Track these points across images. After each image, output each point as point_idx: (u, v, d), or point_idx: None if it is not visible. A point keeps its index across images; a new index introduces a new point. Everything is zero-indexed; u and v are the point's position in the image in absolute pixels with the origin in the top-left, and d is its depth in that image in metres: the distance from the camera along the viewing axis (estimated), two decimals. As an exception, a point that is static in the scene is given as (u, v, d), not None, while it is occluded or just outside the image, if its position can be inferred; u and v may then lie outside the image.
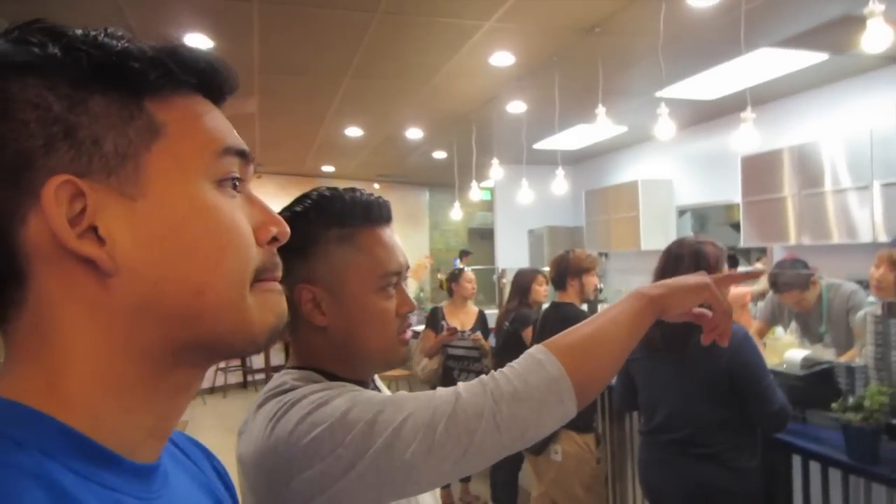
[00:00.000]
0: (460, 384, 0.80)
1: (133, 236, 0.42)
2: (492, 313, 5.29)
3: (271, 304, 0.49)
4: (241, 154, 0.48)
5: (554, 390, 0.77)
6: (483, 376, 0.81)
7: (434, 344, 4.20)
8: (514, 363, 0.81)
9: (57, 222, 0.40)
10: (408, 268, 0.97)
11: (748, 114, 3.08)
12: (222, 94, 0.49)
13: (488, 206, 10.11)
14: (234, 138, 0.48)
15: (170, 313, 0.44)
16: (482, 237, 11.29)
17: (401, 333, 0.93)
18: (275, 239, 0.50)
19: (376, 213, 0.93)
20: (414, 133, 6.60)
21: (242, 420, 0.88)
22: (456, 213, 7.29)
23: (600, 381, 0.83)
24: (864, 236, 4.65)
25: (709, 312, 0.92)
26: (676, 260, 2.20)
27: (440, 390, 0.80)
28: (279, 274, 0.51)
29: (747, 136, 3.12)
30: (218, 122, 0.48)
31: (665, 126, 3.50)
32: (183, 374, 0.47)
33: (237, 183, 0.48)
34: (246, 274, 0.47)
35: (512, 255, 8.52)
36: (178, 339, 0.45)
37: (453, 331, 4.14)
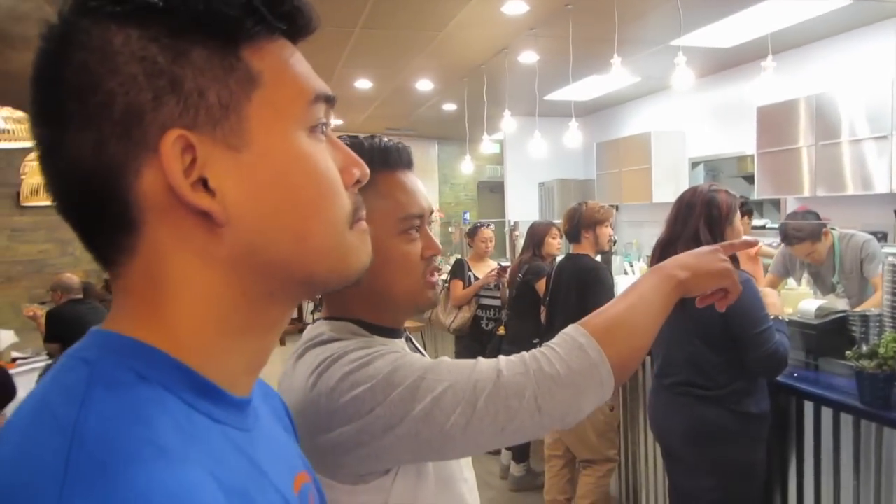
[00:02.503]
0: (501, 359, 0.81)
1: (240, 187, 0.44)
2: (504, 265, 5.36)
3: (363, 245, 0.51)
4: (328, 99, 0.49)
5: (595, 375, 0.79)
6: (524, 354, 0.82)
7: (483, 282, 4.30)
8: (555, 345, 0.82)
9: (175, 176, 0.41)
10: (432, 211, 0.97)
11: (769, 62, 3.02)
12: (303, 35, 0.49)
13: (497, 159, 10.06)
14: (322, 84, 0.49)
15: (273, 259, 0.46)
16: (491, 190, 11.27)
17: (427, 276, 0.94)
18: (358, 181, 0.51)
19: (395, 158, 0.93)
20: (424, 85, 6.53)
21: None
22: (467, 167, 7.26)
23: (635, 361, 0.85)
24: (881, 187, 4.62)
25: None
26: (689, 208, 2.21)
27: (481, 362, 0.81)
28: (364, 213, 0.52)
29: (767, 86, 3.07)
30: (305, 67, 0.49)
31: (683, 76, 3.45)
32: (277, 311, 0.49)
33: (324, 128, 0.49)
34: (344, 217, 0.49)
35: (522, 208, 8.51)
36: (279, 282, 0.47)
37: (503, 270, 4.23)
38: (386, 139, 0.95)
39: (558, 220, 4.63)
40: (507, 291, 4.17)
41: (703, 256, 0.91)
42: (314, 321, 0.97)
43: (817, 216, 3.30)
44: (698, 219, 2.18)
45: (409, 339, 1.03)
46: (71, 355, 0.43)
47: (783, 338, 2.13)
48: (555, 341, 0.83)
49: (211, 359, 0.45)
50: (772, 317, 2.15)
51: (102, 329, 0.45)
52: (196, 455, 0.40)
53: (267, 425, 0.53)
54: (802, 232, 3.21)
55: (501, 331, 4.16)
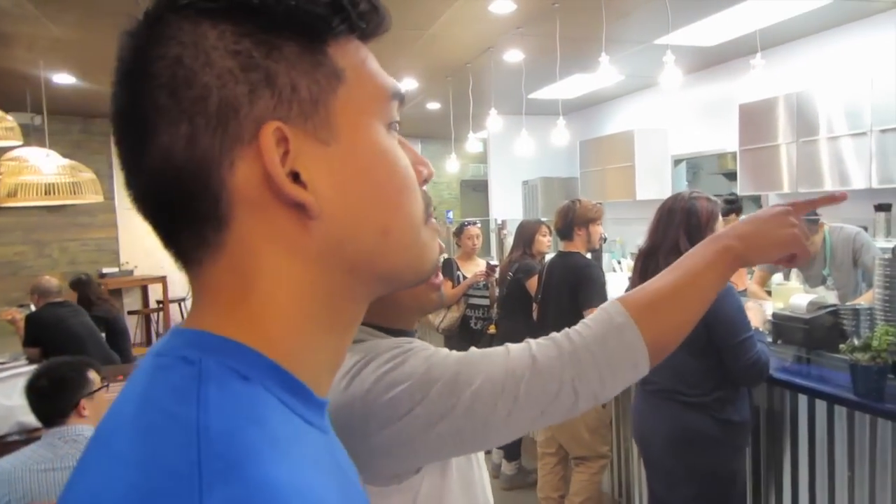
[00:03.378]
0: (532, 343, 0.81)
1: (329, 180, 0.44)
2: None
3: (434, 242, 0.52)
4: (401, 98, 0.50)
5: (630, 356, 0.79)
6: (556, 335, 0.81)
7: (471, 282, 4.30)
8: (591, 322, 0.81)
9: (275, 168, 0.41)
10: (448, 213, 0.97)
11: (758, 60, 3.06)
12: (376, 35, 0.49)
13: (480, 157, 10.08)
14: (395, 82, 0.50)
15: (358, 254, 0.46)
16: (474, 189, 11.29)
17: (431, 279, 0.94)
18: (426, 179, 0.52)
19: None
20: (408, 84, 6.51)
21: None
22: (453, 165, 7.26)
23: (676, 339, 0.82)
24: (860, 183, 4.70)
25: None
26: (669, 216, 2.22)
27: (512, 349, 0.80)
28: (433, 210, 0.53)
29: (752, 83, 3.10)
30: (378, 66, 0.49)
31: (671, 75, 3.47)
32: (355, 308, 0.49)
33: (397, 126, 0.50)
34: (421, 213, 0.49)
35: (506, 207, 8.54)
36: (361, 277, 0.47)
37: (492, 268, 4.22)
38: None
39: (545, 218, 4.66)
40: (497, 290, 4.18)
41: (767, 222, 0.83)
42: None
43: (813, 210, 3.34)
44: (678, 228, 2.18)
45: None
46: (164, 354, 0.43)
47: (763, 347, 2.15)
48: (592, 317, 0.82)
49: (300, 358, 0.45)
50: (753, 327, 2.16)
51: (189, 328, 0.44)
52: (301, 458, 0.39)
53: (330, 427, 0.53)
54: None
55: (492, 329, 4.16)
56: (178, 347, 0.43)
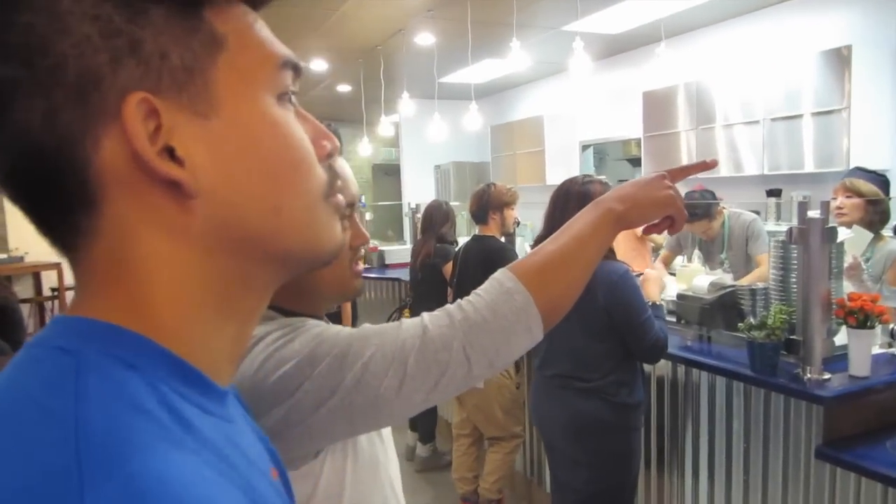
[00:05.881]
0: (425, 315, 0.79)
1: (210, 156, 0.40)
2: (399, 248, 5.38)
3: (336, 219, 0.49)
4: (296, 68, 0.46)
5: (522, 320, 0.78)
6: (448, 306, 0.80)
7: None
8: (481, 291, 0.80)
9: (140, 141, 0.37)
10: (361, 198, 0.95)
11: (662, 49, 3.16)
12: (266, 1, 0.46)
13: (391, 142, 10.00)
14: (288, 50, 0.46)
15: (248, 234, 0.43)
16: (386, 173, 11.21)
17: (353, 266, 0.92)
18: (329, 154, 0.48)
19: None
20: (318, 65, 6.35)
21: None
22: (365, 149, 7.16)
23: (567, 303, 0.83)
24: (752, 169, 4.99)
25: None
26: (564, 202, 2.26)
27: (405, 322, 0.79)
28: (339, 187, 0.50)
29: (656, 71, 3.21)
30: (269, 33, 0.45)
31: (580, 61, 3.54)
32: (254, 295, 0.46)
33: (292, 97, 0.46)
34: (320, 191, 0.46)
35: (419, 191, 8.53)
36: (254, 261, 0.44)
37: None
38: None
39: (456, 203, 4.67)
40: (411, 274, 4.15)
41: (645, 185, 0.86)
42: None
43: (713, 195, 3.51)
44: (574, 212, 2.21)
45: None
46: (40, 345, 0.39)
47: (662, 324, 2.24)
48: (483, 287, 0.81)
49: (195, 346, 0.42)
50: (649, 303, 2.25)
51: (70, 315, 0.40)
52: (198, 448, 0.37)
53: (238, 415, 0.50)
54: (700, 210, 3.39)
55: (406, 314, 4.14)
56: (54, 337, 0.39)
